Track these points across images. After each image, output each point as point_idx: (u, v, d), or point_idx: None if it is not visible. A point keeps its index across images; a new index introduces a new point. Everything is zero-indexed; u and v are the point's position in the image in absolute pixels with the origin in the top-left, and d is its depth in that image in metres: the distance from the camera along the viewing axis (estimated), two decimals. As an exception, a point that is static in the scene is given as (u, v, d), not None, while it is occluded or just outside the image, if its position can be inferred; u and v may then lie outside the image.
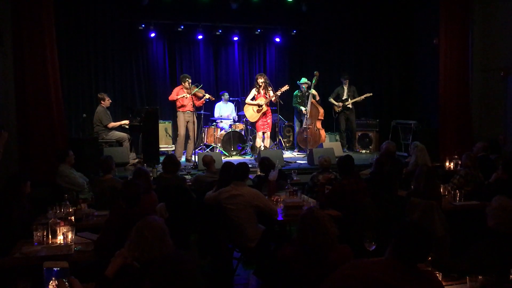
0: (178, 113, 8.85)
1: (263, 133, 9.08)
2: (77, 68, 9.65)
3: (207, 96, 8.88)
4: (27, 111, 6.89)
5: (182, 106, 8.75)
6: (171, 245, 2.73)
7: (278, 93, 8.79)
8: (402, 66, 11.34)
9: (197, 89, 8.68)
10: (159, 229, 2.72)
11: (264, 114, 8.98)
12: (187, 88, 8.72)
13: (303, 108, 9.64)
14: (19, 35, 6.82)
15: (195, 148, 8.79)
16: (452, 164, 7.31)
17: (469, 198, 5.13)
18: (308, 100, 9.56)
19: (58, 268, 1.54)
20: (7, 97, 6.88)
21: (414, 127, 9.81)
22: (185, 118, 8.80)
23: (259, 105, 8.90)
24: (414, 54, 11.10)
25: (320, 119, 9.67)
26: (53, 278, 1.57)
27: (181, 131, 8.82)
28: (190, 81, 8.73)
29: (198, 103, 8.92)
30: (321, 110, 9.70)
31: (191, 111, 8.75)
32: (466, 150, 6.52)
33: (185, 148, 9.06)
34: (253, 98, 9.00)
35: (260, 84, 8.92)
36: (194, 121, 8.80)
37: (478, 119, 9.07)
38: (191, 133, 8.83)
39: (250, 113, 9.03)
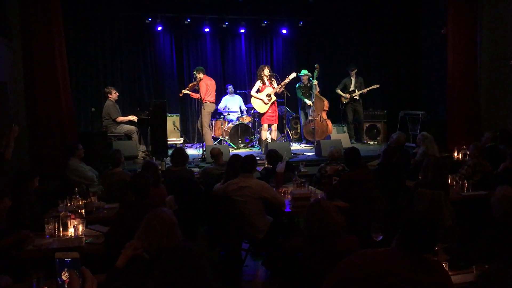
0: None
1: (270, 125, 9.05)
2: (85, 62, 9.70)
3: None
4: (37, 105, 6.96)
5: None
6: (180, 236, 2.77)
7: (287, 80, 8.77)
8: (410, 56, 11.27)
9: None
10: (168, 220, 2.76)
11: (272, 104, 8.95)
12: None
13: (307, 101, 9.63)
14: (27, 30, 6.87)
15: (201, 142, 8.92)
16: (460, 154, 7.26)
17: (477, 188, 5.11)
18: (312, 91, 9.55)
19: (70, 259, 1.58)
20: (16, 92, 6.95)
21: (422, 117, 9.77)
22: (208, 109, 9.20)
23: (268, 95, 8.86)
24: (422, 44, 11.03)
25: (325, 110, 9.65)
26: (65, 269, 1.60)
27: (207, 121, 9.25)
28: (195, 72, 8.99)
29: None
30: (326, 101, 9.68)
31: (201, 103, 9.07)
32: (475, 140, 6.49)
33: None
34: (258, 90, 8.97)
35: (266, 74, 8.88)
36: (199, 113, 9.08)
37: (487, 108, 9.01)
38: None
39: (259, 104, 8.96)
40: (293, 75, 8.91)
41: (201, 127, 9.11)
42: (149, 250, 2.70)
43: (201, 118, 9.03)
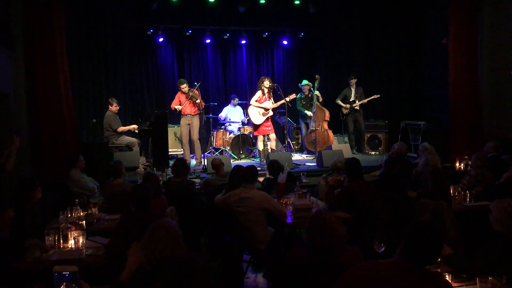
0: (181, 116, 9.05)
1: (267, 135, 8.99)
2: (87, 74, 9.71)
3: (198, 101, 8.88)
4: (39, 116, 6.98)
5: (184, 109, 8.93)
6: (184, 248, 2.76)
7: (288, 99, 8.77)
8: (411, 66, 11.28)
9: (192, 94, 8.79)
10: (173, 230, 2.75)
11: (267, 118, 8.91)
12: (185, 93, 8.86)
13: (307, 112, 9.64)
14: (30, 41, 6.92)
15: (203, 152, 8.83)
16: (462, 164, 7.25)
17: (479, 199, 5.09)
18: (313, 102, 9.55)
19: (68, 272, 1.57)
20: (19, 103, 6.96)
21: (424, 127, 9.76)
22: (185, 121, 8.94)
23: (266, 109, 8.81)
24: (423, 54, 11.05)
25: (326, 120, 9.66)
26: (64, 283, 1.60)
27: (182, 135, 9.04)
28: (185, 85, 8.90)
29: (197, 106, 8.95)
30: (326, 111, 9.69)
31: (192, 114, 8.88)
32: (477, 150, 6.48)
33: (193, 151, 9.17)
34: (257, 100, 8.94)
35: (266, 86, 8.85)
36: (196, 124, 8.88)
37: (488, 118, 9.00)
38: (193, 136, 8.90)
39: (255, 115, 8.86)
40: (294, 96, 8.97)
41: (196, 137, 8.96)
42: (151, 259, 2.68)
43: (198, 128, 8.94)
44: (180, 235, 2.78)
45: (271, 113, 8.87)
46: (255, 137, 9.55)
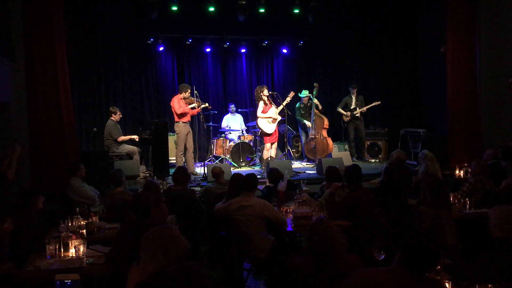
0: (179, 124, 8.61)
1: (271, 144, 9.02)
2: (87, 82, 9.77)
3: (206, 104, 8.82)
4: (39, 125, 6.99)
5: (183, 115, 8.59)
6: (187, 244, 2.74)
7: (288, 99, 8.78)
8: (410, 74, 11.33)
9: (197, 100, 8.70)
10: (174, 230, 2.76)
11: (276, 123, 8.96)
12: (186, 98, 8.69)
13: (306, 122, 9.67)
14: (30, 51, 6.95)
15: (203, 160, 8.81)
16: (462, 171, 7.25)
17: (479, 206, 5.09)
18: (311, 110, 9.57)
19: (70, 281, 1.59)
20: (19, 112, 6.99)
21: (423, 135, 9.77)
22: (186, 129, 8.69)
23: (274, 119, 8.81)
24: (422, 62, 11.10)
25: (325, 128, 9.68)
26: (66, 290, 1.62)
27: (179, 142, 8.61)
28: (189, 91, 8.73)
29: (193, 112, 8.82)
30: (325, 119, 9.71)
31: (189, 121, 8.84)
32: (476, 157, 6.49)
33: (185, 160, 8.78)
34: (263, 111, 8.94)
35: (266, 94, 8.86)
36: (190, 131, 8.81)
37: (487, 126, 9.03)
38: (191, 144, 8.77)
39: (266, 125, 8.84)
40: (292, 94, 8.94)
41: (192, 145, 8.82)
42: (165, 264, 2.66)
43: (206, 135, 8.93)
44: (175, 235, 2.78)
45: (279, 117, 8.89)
46: (256, 145, 9.57)
